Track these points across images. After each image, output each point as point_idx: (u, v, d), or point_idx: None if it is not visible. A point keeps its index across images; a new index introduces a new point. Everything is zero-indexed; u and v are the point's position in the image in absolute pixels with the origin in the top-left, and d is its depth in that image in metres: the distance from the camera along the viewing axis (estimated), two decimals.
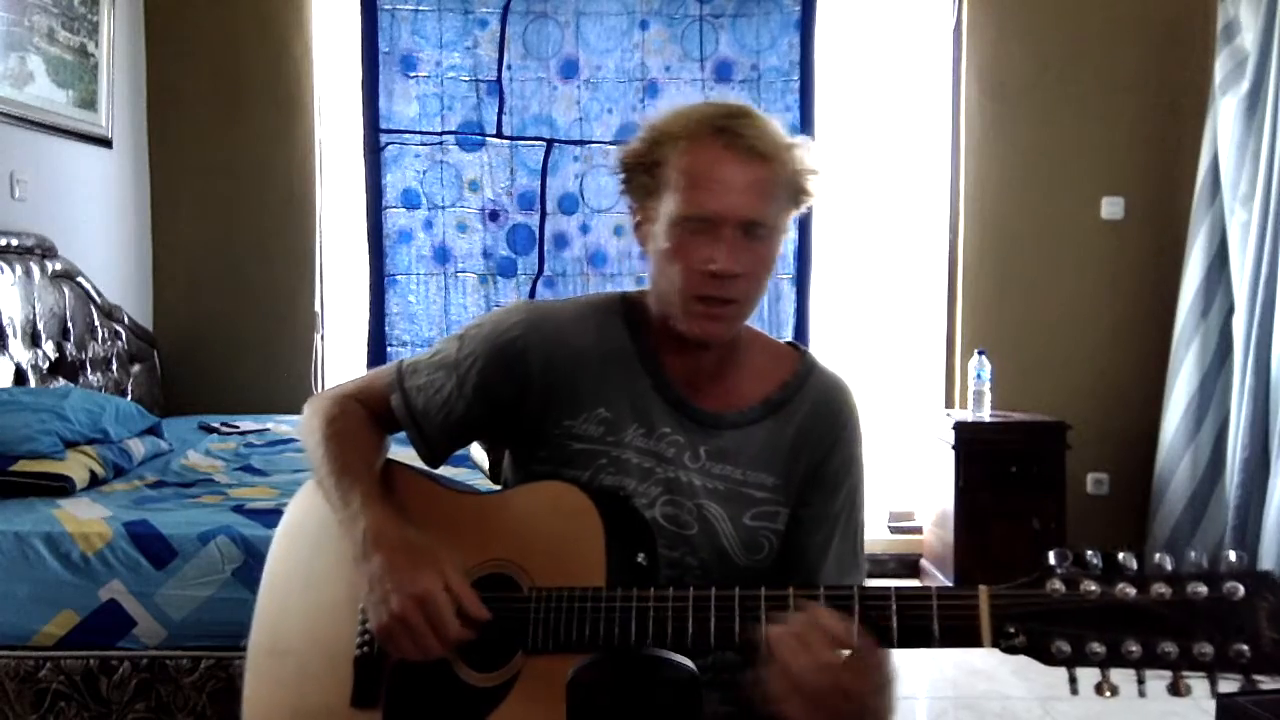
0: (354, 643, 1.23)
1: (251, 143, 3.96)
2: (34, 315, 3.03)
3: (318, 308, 4.03)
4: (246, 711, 1.30)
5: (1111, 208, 4.03)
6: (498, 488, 1.48)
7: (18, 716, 2.07)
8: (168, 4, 3.95)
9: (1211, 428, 3.65)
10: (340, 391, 1.37)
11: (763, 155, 1.19)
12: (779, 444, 1.28)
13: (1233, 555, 0.93)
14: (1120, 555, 0.96)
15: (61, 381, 3.11)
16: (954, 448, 3.65)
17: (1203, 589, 0.92)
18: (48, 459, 2.40)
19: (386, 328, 3.93)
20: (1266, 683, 0.91)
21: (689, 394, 1.28)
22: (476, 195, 3.94)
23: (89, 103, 3.52)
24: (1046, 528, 3.58)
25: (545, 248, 3.95)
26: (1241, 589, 0.91)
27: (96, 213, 3.63)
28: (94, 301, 3.44)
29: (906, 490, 4.16)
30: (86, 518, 2.19)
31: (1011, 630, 0.97)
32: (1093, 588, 0.95)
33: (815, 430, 1.29)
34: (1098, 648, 0.93)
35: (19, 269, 2.98)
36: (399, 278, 3.93)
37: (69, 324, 3.24)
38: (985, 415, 3.75)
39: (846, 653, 1.00)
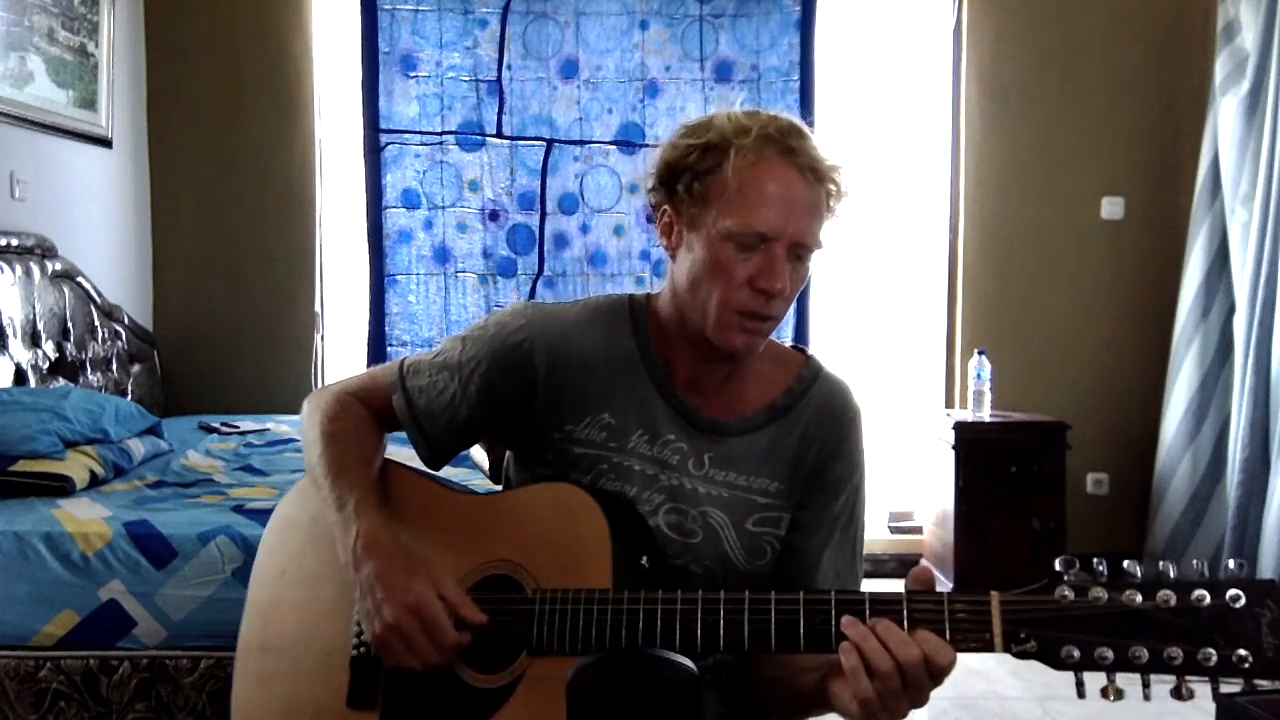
0: (349, 642, 1.22)
1: (251, 143, 3.96)
2: (34, 315, 3.03)
3: (318, 308, 4.03)
4: (236, 706, 1.30)
5: (1111, 208, 4.03)
6: (498, 488, 1.48)
7: (18, 716, 2.06)
8: (168, 4, 3.95)
9: (1212, 428, 3.65)
10: (341, 388, 1.36)
11: (820, 176, 1.18)
12: (783, 449, 1.27)
13: (1232, 564, 0.96)
14: (1125, 563, 0.99)
15: (61, 381, 3.11)
16: (954, 448, 3.65)
17: (1207, 596, 0.94)
18: (48, 459, 2.40)
19: (386, 328, 3.93)
20: (1266, 685, 0.93)
21: (694, 400, 1.27)
22: (476, 195, 3.94)
23: (89, 103, 3.52)
24: (1046, 528, 3.58)
25: (545, 248, 3.96)
26: (1244, 597, 0.93)
27: (96, 213, 3.63)
28: (94, 301, 3.44)
29: (906, 490, 4.17)
30: (86, 518, 2.19)
31: (1023, 636, 0.98)
32: (1101, 594, 0.97)
33: (820, 435, 1.28)
34: (1106, 653, 0.96)
35: (19, 269, 2.98)
36: (399, 278, 3.94)
37: (69, 324, 3.24)
38: (985, 415, 3.75)
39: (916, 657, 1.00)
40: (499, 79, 3.90)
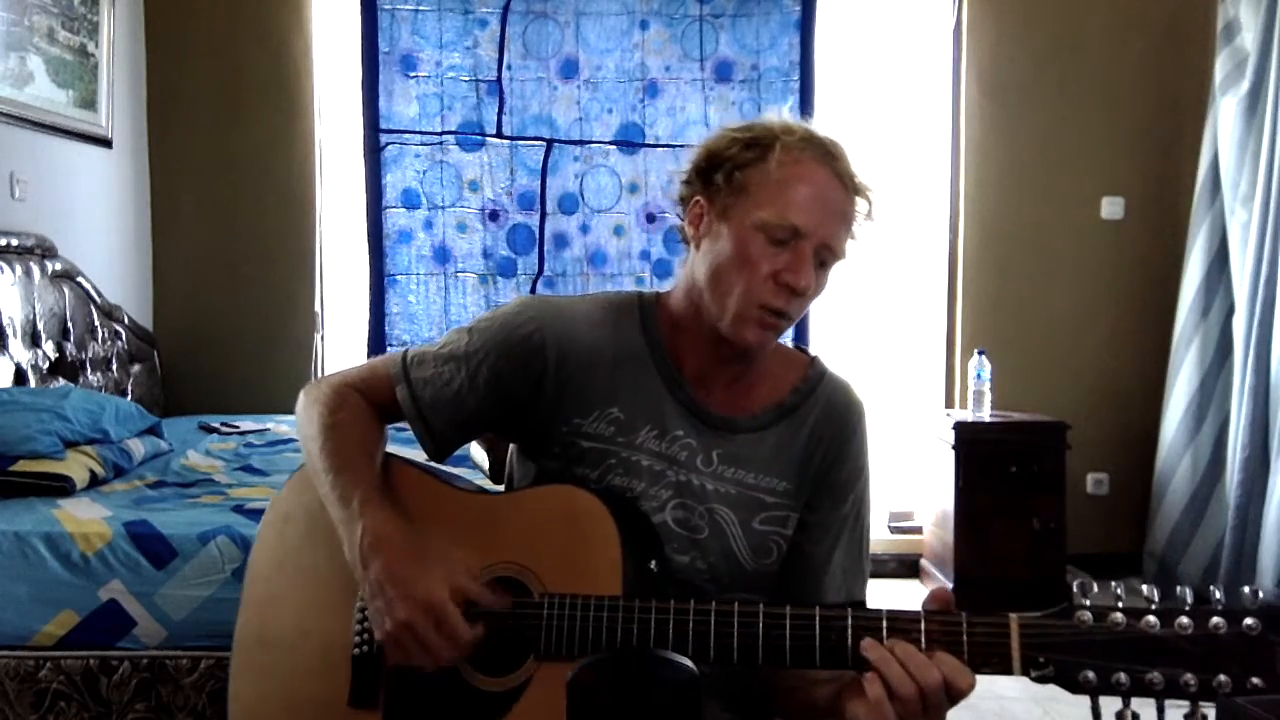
0: (350, 639, 1.22)
1: (251, 143, 3.96)
2: (34, 315, 3.03)
3: (318, 308, 4.03)
4: (234, 701, 1.29)
5: (1111, 208, 4.03)
6: (498, 488, 1.47)
7: (18, 716, 2.06)
8: (168, 4, 3.95)
9: (1211, 428, 3.65)
10: (340, 380, 1.33)
11: (857, 189, 1.21)
12: (791, 448, 1.28)
13: (1247, 590, 0.97)
14: (1144, 589, 1.00)
15: (61, 381, 3.11)
16: (954, 448, 3.65)
17: (1224, 624, 0.95)
18: (48, 459, 2.40)
19: (386, 328, 3.93)
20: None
21: (702, 397, 1.27)
22: (476, 195, 3.94)
23: (89, 103, 3.52)
24: (1046, 528, 3.58)
25: (545, 248, 3.96)
26: (1260, 625, 0.94)
27: (96, 213, 3.63)
28: (94, 301, 3.44)
29: (906, 490, 4.16)
30: (86, 518, 2.19)
31: (1042, 660, 0.99)
32: (1120, 620, 0.98)
33: (827, 435, 1.28)
34: (1122, 678, 0.96)
35: (19, 269, 2.98)
36: (399, 278, 3.94)
37: (69, 324, 3.24)
38: (985, 415, 3.75)
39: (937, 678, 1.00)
40: (499, 79, 3.90)
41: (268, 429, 3.43)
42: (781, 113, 1.25)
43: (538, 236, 3.95)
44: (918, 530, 4.10)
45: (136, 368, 3.68)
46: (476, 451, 1.62)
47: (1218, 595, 0.97)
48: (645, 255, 3.97)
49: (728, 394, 1.28)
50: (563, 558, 1.16)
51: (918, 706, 0.99)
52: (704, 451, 1.26)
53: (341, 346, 4.11)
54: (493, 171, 3.93)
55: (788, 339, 1.38)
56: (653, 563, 1.18)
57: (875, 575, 4.07)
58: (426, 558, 1.13)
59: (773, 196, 1.18)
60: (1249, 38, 3.50)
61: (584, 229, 3.96)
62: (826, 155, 1.20)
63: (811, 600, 1.21)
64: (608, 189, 3.94)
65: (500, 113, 3.90)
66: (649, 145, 3.92)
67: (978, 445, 3.65)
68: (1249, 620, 0.94)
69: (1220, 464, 3.59)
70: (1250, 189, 3.45)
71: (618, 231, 3.95)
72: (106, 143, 3.63)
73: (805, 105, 3.88)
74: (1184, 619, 0.96)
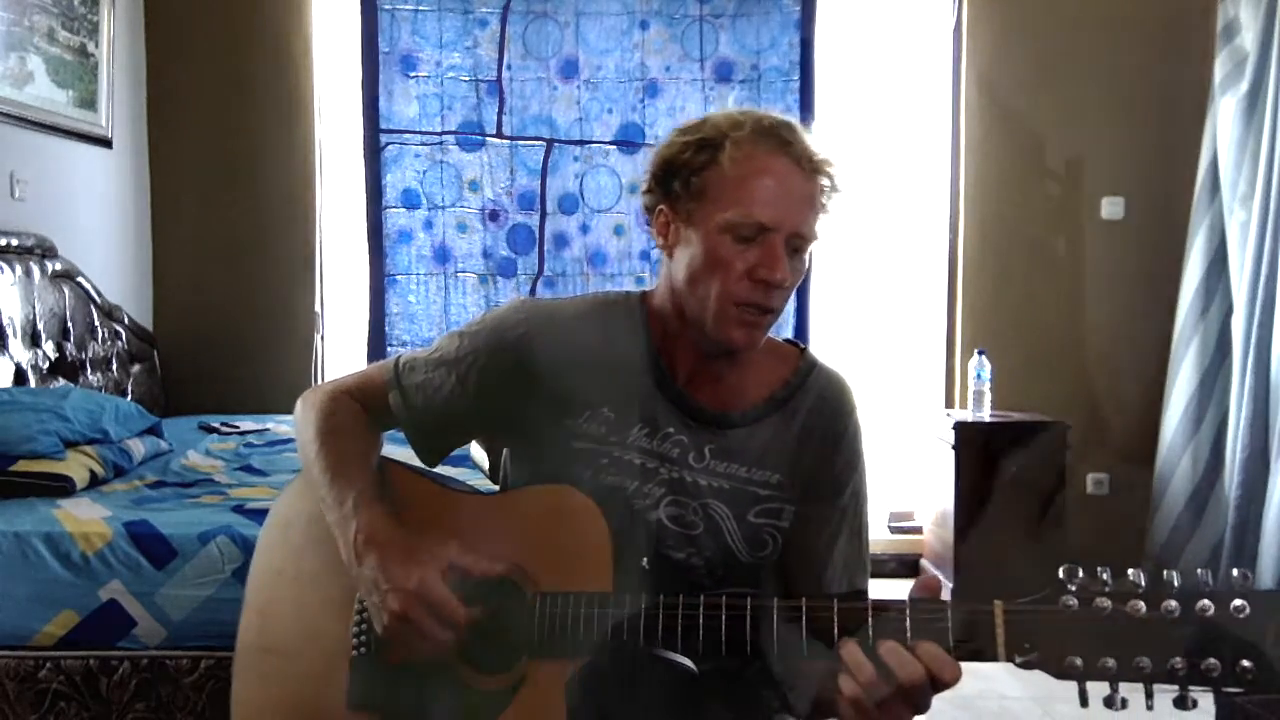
0: (349, 642, 1.22)
1: (251, 142, 3.96)
2: (34, 315, 3.03)
3: (318, 308, 4.03)
4: (237, 706, 1.30)
5: (1111, 208, 4.03)
6: (493, 488, 1.47)
7: (18, 716, 2.06)
8: (168, 4, 3.95)
9: (1211, 427, 3.65)
10: (335, 386, 1.36)
11: (816, 169, 1.19)
12: (783, 441, 1.28)
13: (1236, 573, 0.96)
14: (1130, 572, 0.99)
15: (61, 381, 3.11)
16: (954, 448, 3.65)
17: (1211, 607, 0.94)
18: (48, 459, 2.39)
19: (386, 328, 3.93)
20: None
21: (693, 393, 1.28)
22: (476, 195, 3.94)
23: (89, 103, 3.52)
24: (1046, 528, 3.58)
25: (545, 248, 3.96)
26: (1248, 608, 0.93)
27: (96, 213, 3.63)
28: (94, 301, 3.44)
29: (906, 490, 4.16)
30: (86, 518, 2.19)
31: (1026, 645, 0.98)
32: (1105, 604, 0.97)
33: (820, 427, 1.29)
34: (1110, 663, 0.95)
35: (19, 269, 2.98)
36: (399, 278, 3.94)
37: (69, 324, 3.24)
38: (985, 415, 3.75)
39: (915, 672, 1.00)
40: (499, 79, 3.90)
41: (268, 429, 3.44)
42: (727, 104, 1.25)
43: (538, 236, 3.95)
44: (918, 530, 4.10)
45: (136, 368, 3.68)
46: (476, 451, 1.63)
47: (1205, 579, 0.96)
48: (645, 255, 3.97)
49: (718, 389, 1.28)
50: (555, 557, 1.17)
51: (899, 703, 0.99)
52: (696, 448, 1.26)
53: (341, 346, 4.11)
54: (493, 171, 3.93)
55: (785, 336, 1.37)
56: (645, 560, 1.18)
57: (875, 575, 4.06)
58: (416, 547, 1.15)
59: (733, 197, 1.17)
60: (1249, 38, 3.50)
61: (584, 229, 3.96)
62: (779, 143, 1.18)
63: (815, 593, 1.21)
64: (608, 189, 3.94)
65: (500, 113, 3.90)
66: (649, 145, 3.92)
67: (978, 445, 3.65)
68: (1237, 602, 0.93)
69: (1220, 464, 3.59)
70: (1250, 189, 3.45)
71: (618, 231, 3.95)
72: (106, 143, 3.62)
73: (805, 105, 3.88)
74: (1171, 602, 0.95)
